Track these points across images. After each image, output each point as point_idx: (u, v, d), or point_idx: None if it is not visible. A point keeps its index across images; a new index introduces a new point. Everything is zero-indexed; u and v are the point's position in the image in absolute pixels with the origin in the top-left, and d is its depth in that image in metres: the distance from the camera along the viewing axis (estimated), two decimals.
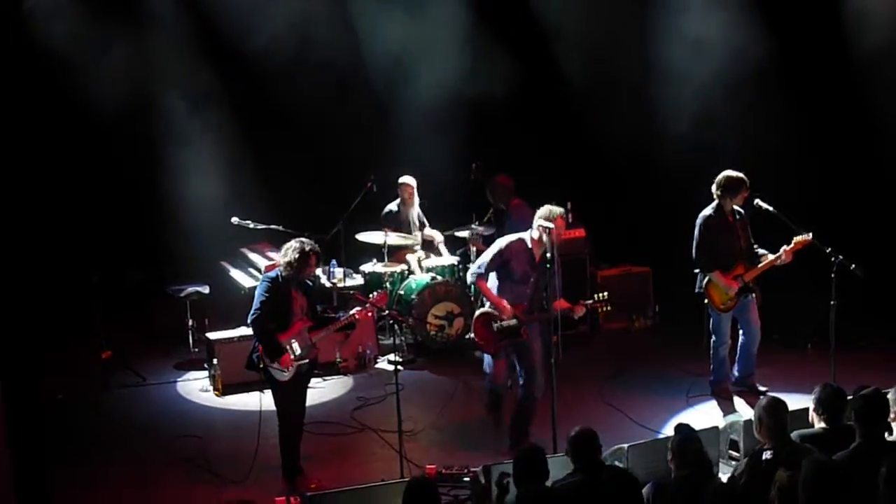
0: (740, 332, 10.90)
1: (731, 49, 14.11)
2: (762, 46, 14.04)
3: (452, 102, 14.61)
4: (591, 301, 9.64)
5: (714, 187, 10.56)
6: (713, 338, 10.85)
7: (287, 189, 14.41)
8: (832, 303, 9.92)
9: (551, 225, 9.30)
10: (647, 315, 13.42)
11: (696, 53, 14.37)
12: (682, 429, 7.06)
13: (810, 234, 10.15)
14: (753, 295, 10.69)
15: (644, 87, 15.32)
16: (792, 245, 10.27)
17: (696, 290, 10.76)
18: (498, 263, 9.54)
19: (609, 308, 9.71)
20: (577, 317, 9.62)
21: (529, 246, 9.51)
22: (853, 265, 9.82)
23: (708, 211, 10.59)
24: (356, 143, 14.65)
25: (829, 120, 14.10)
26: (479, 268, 9.66)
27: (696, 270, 10.71)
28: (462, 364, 12.25)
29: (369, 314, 9.73)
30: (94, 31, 13.17)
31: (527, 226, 9.68)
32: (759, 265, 10.55)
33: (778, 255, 10.40)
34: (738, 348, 10.91)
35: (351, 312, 9.47)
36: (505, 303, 9.44)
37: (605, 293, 9.70)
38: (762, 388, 10.81)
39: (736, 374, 10.95)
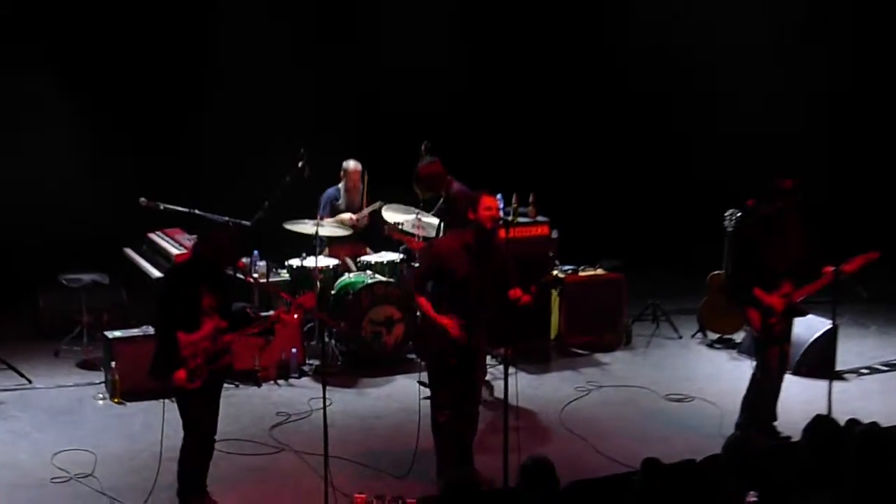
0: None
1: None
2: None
3: (399, 75, 14.72)
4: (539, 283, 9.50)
5: (764, 190, 10.39)
6: (754, 366, 10.59)
7: (205, 166, 14.38)
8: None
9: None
10: (619, 328, 13.42)
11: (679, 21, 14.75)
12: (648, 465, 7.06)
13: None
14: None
15: (622, 58, 15.63)
16: (854, 260, 10.14)
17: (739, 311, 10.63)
18: (433, 268, 9.39)
19: (561, 288, 9.58)
20: (521, 304, 9.43)
21: (466, 240, 9.37)
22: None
23: (751, 219, 10.54)
24: (289, 116, 14.62)
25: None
26: (412, 284, 9.54)
27: (733, 286, 10.58)
28: (401, 377, 12.21)
29: (294, 316, 9.65)
30: None
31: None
32: (811, 283, 10.32)
33: (834, 271, 10.16)
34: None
35: (272, 314, 9.36)
36: (448, 320, 9.26)
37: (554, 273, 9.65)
38: (783, 435, 10.50)
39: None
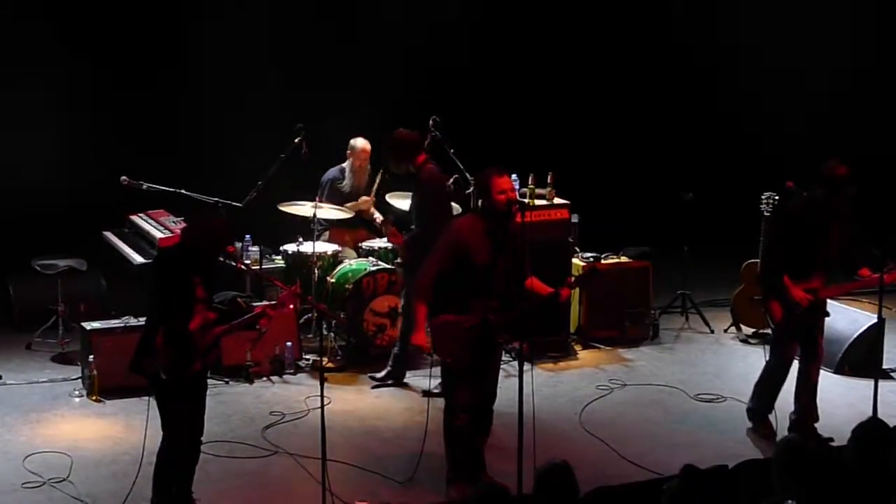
0: (797, 360, 10.74)
1: None
2: None
3: (403, 43, 14.74)
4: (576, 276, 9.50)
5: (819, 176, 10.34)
6: (768, 356, 10.71)
7: (193, 141, 14.38)
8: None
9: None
10: (645, 322, 13.40)
11: None
12: (688, 473, 7.01)
13: None
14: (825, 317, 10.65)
15: (655, 27, 15.69)
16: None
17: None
18: (452, 259, 9.27)
19: (598, 274, 9.64)
20: (562, 300, 9.57)
21: (486, 225, 9.28)
22: None
23: (795, 202, 10.54)
24: (288, 90, 14.64)
25: None
26: (425, 278, 9.38)
27: (763, 271, 10.66)
28: (407, 374, 12.11)
29: (289, 306, 9.65)
30: None
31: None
32: (844, 283, 10.51)
33: (873, 276, 10.19)
34: (797, 383, 10.71)
35: (256, 306, 9.36)
36: (423, 332, 9.30)
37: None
38: (825, 437, 10.52)
39: (793, 416, 10.71)
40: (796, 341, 10.54)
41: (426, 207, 11.35)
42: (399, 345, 11.90)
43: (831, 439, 10.25)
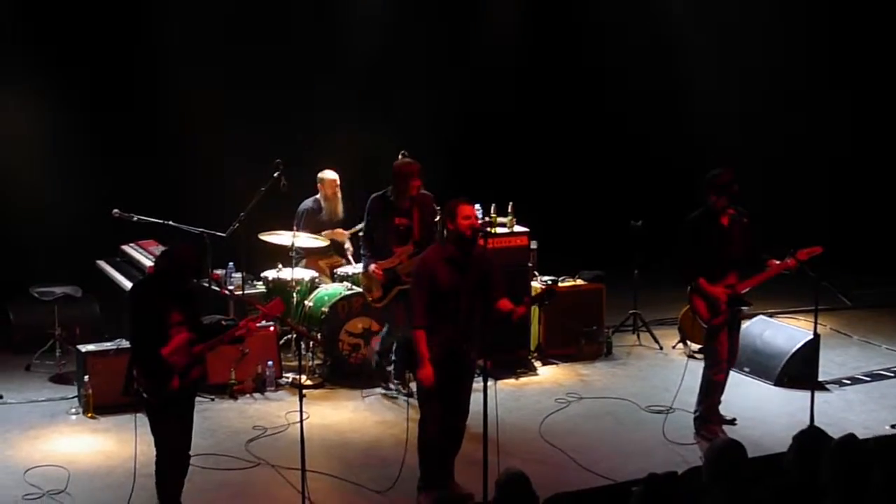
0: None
1: None
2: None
3: (372, 81, 14.77)
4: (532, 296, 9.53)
5: (706, 186, 10.60)
6: (705, 361, 10.88)
7: (181, 176, 14.32)
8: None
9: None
10: (599, 339, 13.40)
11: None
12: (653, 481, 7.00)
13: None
14: (744, 309, 10.87)
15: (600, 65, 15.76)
16: (796, 255, 10.37)
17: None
18: (426, 288, 9.26)
19: (553, 294, 9.69)
20: (516, 317, 9.42)
21: (448, 252, 9.32)
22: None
23: (695, 213, 10.66)
24: (265, 126, 14.59)
25: None
26: (417, 316, 9.32)
27: (683, 277, 10.81)
28: (380, 390, 12.11)
29: (266, 323, 9.59)
30: None
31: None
32: (756, 275, 10.65)
33: (780, 264, 10.50)
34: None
35: (238, 323, 9.36)
36: (428, 370, 9.20)
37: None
38: (728, 417, 10.98)
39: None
40: (727, 339, 10.68)
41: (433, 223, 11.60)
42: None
43: (734, 420, 10.84)
